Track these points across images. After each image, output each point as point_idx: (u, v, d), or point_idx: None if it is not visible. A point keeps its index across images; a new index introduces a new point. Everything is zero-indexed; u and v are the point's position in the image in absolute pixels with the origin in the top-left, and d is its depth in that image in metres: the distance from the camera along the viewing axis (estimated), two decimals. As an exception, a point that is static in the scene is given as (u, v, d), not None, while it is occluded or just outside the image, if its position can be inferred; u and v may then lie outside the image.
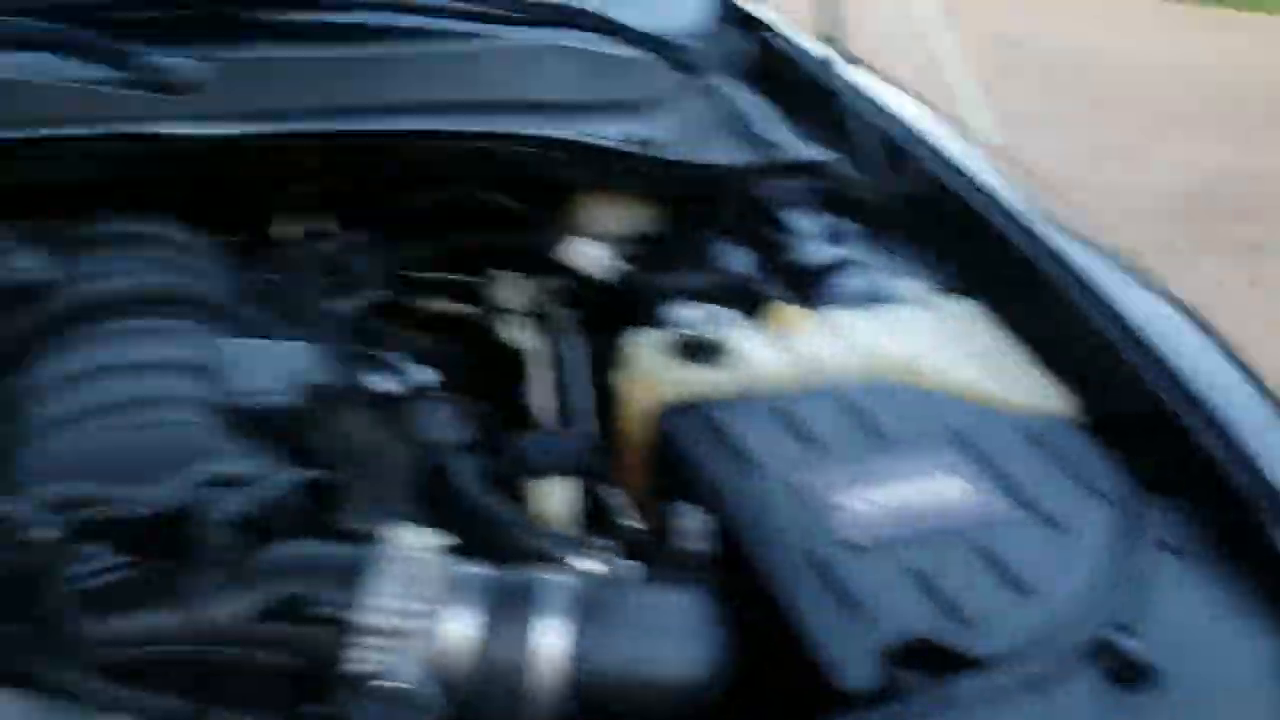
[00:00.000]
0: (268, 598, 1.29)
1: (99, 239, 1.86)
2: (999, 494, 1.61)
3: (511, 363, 2.40)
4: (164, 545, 1.34)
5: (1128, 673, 1.36)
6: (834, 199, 2.32)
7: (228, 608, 1.30)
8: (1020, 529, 1.56)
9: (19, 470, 1.38)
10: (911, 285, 2.08)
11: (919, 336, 1.93)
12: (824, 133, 2.50)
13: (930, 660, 1.36)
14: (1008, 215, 2.11)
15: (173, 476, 1.37)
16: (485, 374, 2.38)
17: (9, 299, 1.64)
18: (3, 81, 1.95)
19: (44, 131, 1.91)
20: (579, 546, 1.49)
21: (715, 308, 1.82)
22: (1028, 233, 2.07)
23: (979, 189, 2.20)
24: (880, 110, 2.45)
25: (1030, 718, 1.32)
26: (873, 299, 2.04)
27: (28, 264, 1.71)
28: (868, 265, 2.13)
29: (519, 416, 2.28)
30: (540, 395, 2.24)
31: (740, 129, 2.45)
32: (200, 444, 1.45)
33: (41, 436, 1.43)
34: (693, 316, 1.78)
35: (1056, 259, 2.01)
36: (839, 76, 2.51)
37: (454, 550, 1.40)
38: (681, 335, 1.75)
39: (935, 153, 2.29)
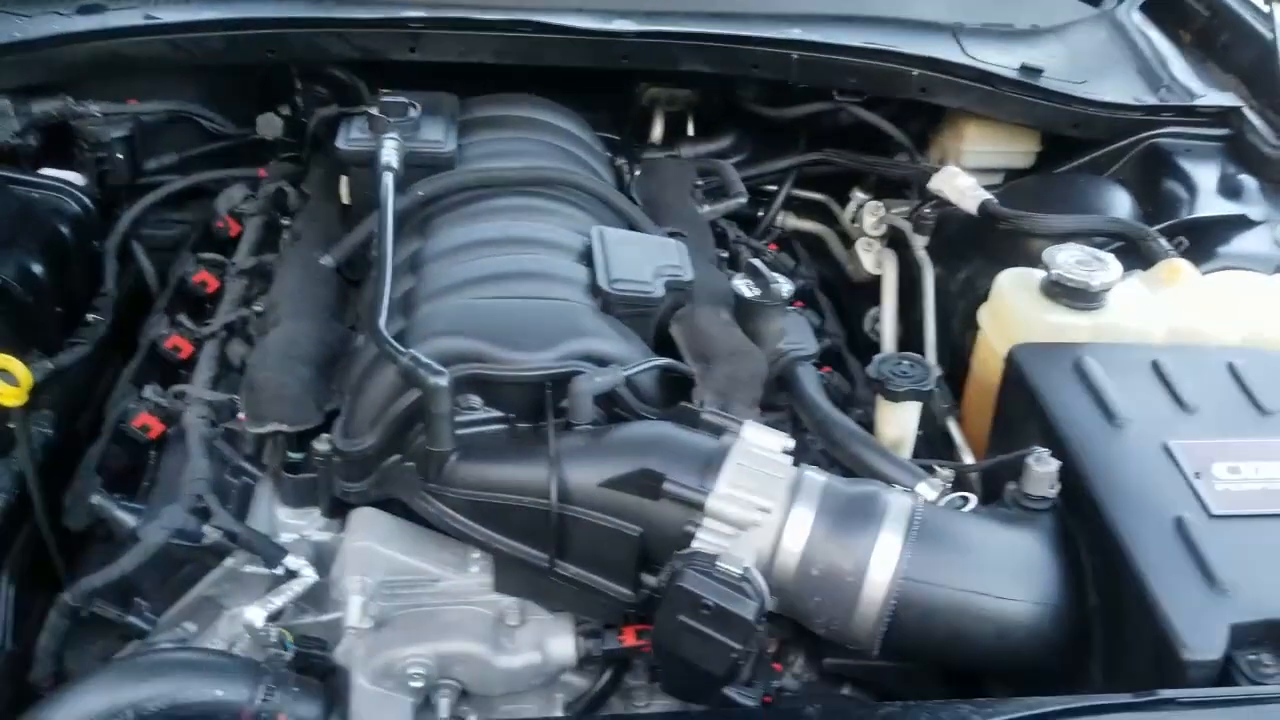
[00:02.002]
0: (626, 470, 1.37)
1: (489, 120, 2.00)
2: (1395, 485, 1.46)
3: (855, 285, 2.39)
4: (531, 408, 1.47)
5: None
6: (1239, 149, 2.13)
7: (588, 473, 1.39)
8: None
9: (421, 322, 1.52)
10: (1318, 251, 1.90)
11: (1321, 308, 1.76)
12: (1234, 77, 2.31)
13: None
14: None
15: (551, 347, 1.49)
16: (840, 294, 2.39)
17: (417, 168, 1.80)
18: None
19: (455, 14, 2.05)
20: (914, 469, 1.49)
21: (1096, 252, 1.72)
22: None
23: None
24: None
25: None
26: (1270, 263, 1.88)
27: (434, 136, 1.86)
28: (1271, 224, 1.96)
29: (860, 336, 2.28)
30: (890, 320, 2.23)
31: (1142, 67, 2.29)
32: (578, 322, 1.55)
33: (442, 295, 1.57)
34: (1068, 258, 1.70)
35: None
36: (1256, 14, 2.29)
37: (798, 455, 1.44)
38: (1053, 275, 1.68)
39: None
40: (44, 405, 1.80)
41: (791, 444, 1.42)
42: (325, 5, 2.10)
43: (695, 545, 1.31)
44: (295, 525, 1.60)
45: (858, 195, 2.42)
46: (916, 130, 2.43)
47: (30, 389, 1.58)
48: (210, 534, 1.52)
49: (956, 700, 1.19)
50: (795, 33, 2.14)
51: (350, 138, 1.86)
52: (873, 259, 2.31)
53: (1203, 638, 1.26)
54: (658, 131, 2.47)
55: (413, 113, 1.87)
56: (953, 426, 1.81)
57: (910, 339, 2.14)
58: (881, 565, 1.31)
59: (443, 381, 1.36)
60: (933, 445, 1.88)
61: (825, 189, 2.53)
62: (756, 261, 1.72)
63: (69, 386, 1.87)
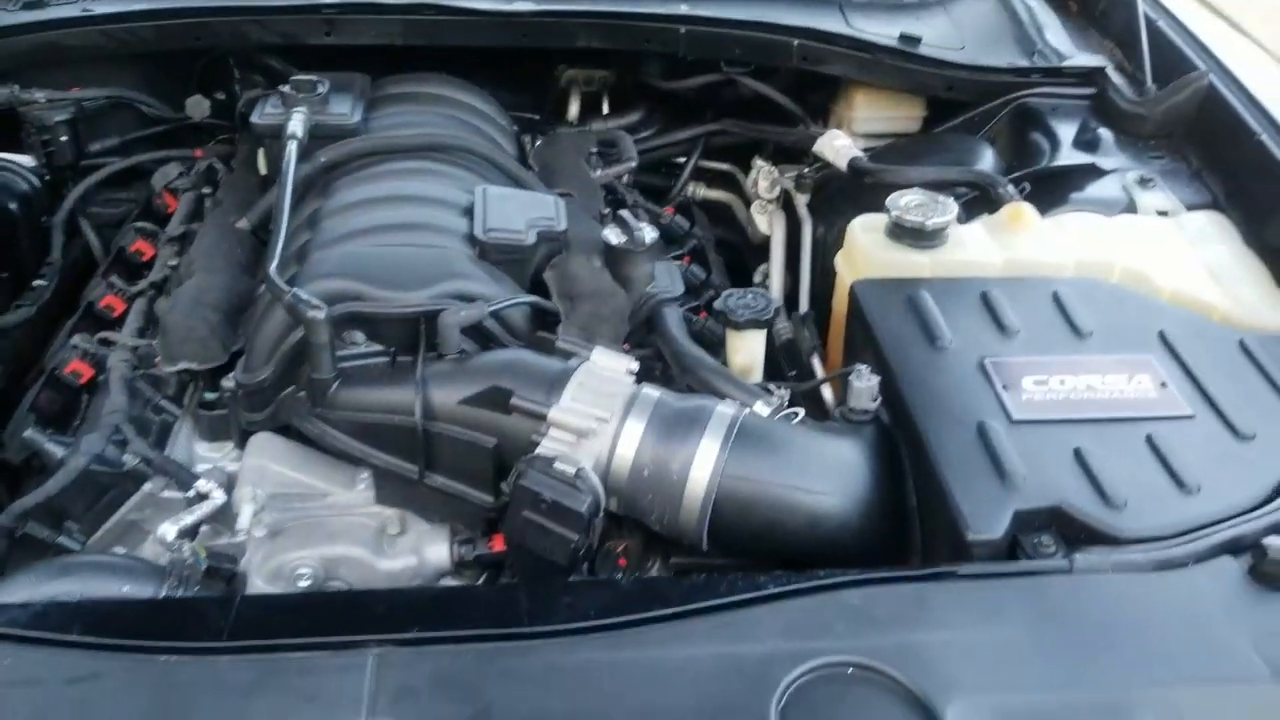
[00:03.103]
0: (482, 389, 1.54)
1: (397, 95, 2.18)
2: (1190, 398, 1.61)
3: (755, 247, 2.56)
4: (407, 342, 1.64)
5: (1273, 570, 1.36)
6: (1103, 106, 2.29)
7: (449, 393, 1.56)
8: (1200, 432, 1.56)
9: (310, 267, 1.70)
10: (1160, 196, 2.04)
11: (1153, 245, 1.91)
12: (1112, 41, 2.47)
13: (1064, 529, 1.42)
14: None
15: (426, 287, 1.66)
16: (731, 257, 2.56)
17: (323, 138, 1.97)
18: None
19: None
20: (752, 390, 1.65)
21: (937, 195, 1.88)
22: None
23: (1257, 106, 2.10)
24: (1164, 14, 2.37)
25: (1156, 595, 1.36)
26: (1115, 207, 2.03)
27: (341, 110, 2.04)
28: (1121, 173, 2.11)
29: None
30: (777, 273, 2.40)
31: (1019, 34, 2.45)
32: (453, 265, 1.72)
33: (331, 245, 1.75)
34: (911, 202, 1.86)
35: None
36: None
37: (642, 376, 1.61)
38: (893, 216, 1.84)
39: (1216, 63, 2.20)
40: (-10, 360, 1.99)
41: (635, 366, 1.59)
42: (246, -5, 2.28)
43: (540, 451, 1.48)
44: (210, 457, 1.78)
45: (758, 163, 2.59)
46: (817, 101, 2.60)
47: (-32, 338, 1.76)
48: (129, 460, 1.69)
49: (755, 573, 1.35)
50: (683, 8, 2.31)
51: (264, 113, 2.04)
52: (766, 220, 2.47)
53: (986, 521, 1.41)
54: (574, 110, 2.65)
55: (321, 89, 2.05)
56: (816, 362, 1.97)
57: (794, 291, 2.30)
58: (702, 464, 1.47)
59: (320, 315, 1.53)
60: (805, 379, 2.04)
61: (731, 159, 2.70)
62: (624, 213, 1.88)
63: (15, 344, 2.05)
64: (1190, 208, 2.04)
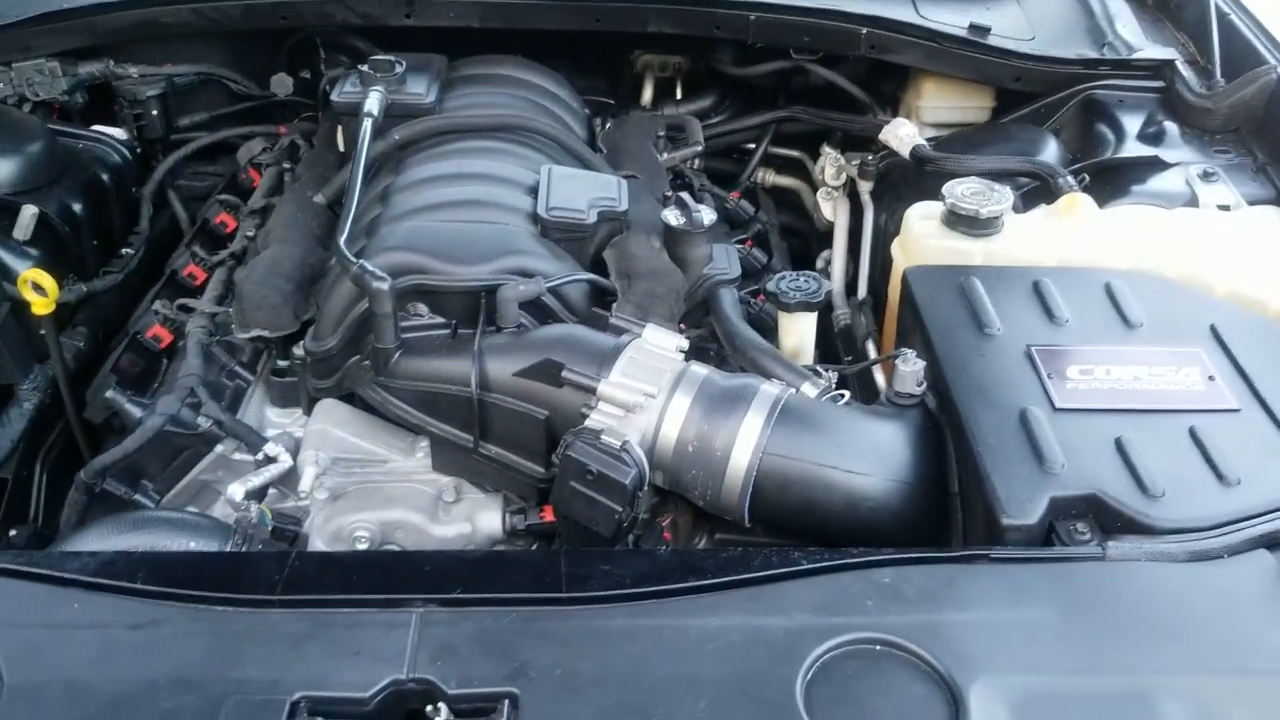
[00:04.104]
0: (535, 362, 1.60)
1: (473, 77, 2.25)
2: (1237, 392, 1.60)
3: (821, 234, 2.58)
4: (468, 315, 1.70)
5: (1310, 567, 1.36)
6: (1170, 99, 2.27)
7: (504, 365, 1.63)
8: (1245, 426, 1.55)
9: (378, 241, 1.77)
10: (1223, 190, 2.03)
11: (1210, 239, 1.90)
12: (1185, 34, 2.44)
13: (1100, 517, 1.43)
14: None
15: (488, 262, 1.72)
16: (798, 243, 2.59)
17: (398, 116, 2.05)
18: None
19: None
20: (800, 371, 1.68)
21: (993, 184, 1.89)
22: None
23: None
24: (1237, 7, 2.34)
25: (1188, 585, 1.37)
26: (1177, 201, 2.02)
27: (417, 89, 2.11)
28: (1184, 166, 2.10)
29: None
30: (840, 259, 2.42)
31: (1090, 26, 2.43)
32: (514, 242, 1.78)
33: (399, 219, 1.82)
34: (967, 190, 1.88)
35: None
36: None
37: (696, 355, 1.66)
38: (948, 204, 1.86)
39: (1287, 58, 2.17)
40: (79, 323, 2.10)
41: (685, 344, 1.63)
42: (330, -22, 2.36)
43: (589, 423, 1.53)
44: (280, 423, 1.87)
45: (826, 150, 2.61)
46: (887, 90, 2.61)
47: (56, 298, 1.86)
48: (202, 422, 1.78)
49: (789, 547, 1.39)
50: None
51: (343, 91, 2.12)
52: (831, 206, 2.50)
53: (1021, 506, 1.43)
54: (648, 94, 2.71)
55: (398, 69, 2.12)
56: (869, 347, 2.00)
57: (856, 278, 2.33)
58: (745, 441, 1.51)
59: (384, 286, 1.60)
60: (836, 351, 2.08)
61: (801, 146, 2.72)
62: (684, 194, 1.93)
63: (101, 308, 2.16)
64: (1253, 202, 2.02)
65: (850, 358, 2.09)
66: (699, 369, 1.60)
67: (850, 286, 2.36)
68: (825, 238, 2.56)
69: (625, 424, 1.53)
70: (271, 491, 1.78)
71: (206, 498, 1.86)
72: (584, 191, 1.91)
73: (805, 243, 2.64)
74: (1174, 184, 2.06)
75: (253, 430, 1.80)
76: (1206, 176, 2.05)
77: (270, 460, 1.76)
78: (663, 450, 1.54)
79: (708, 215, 1.89)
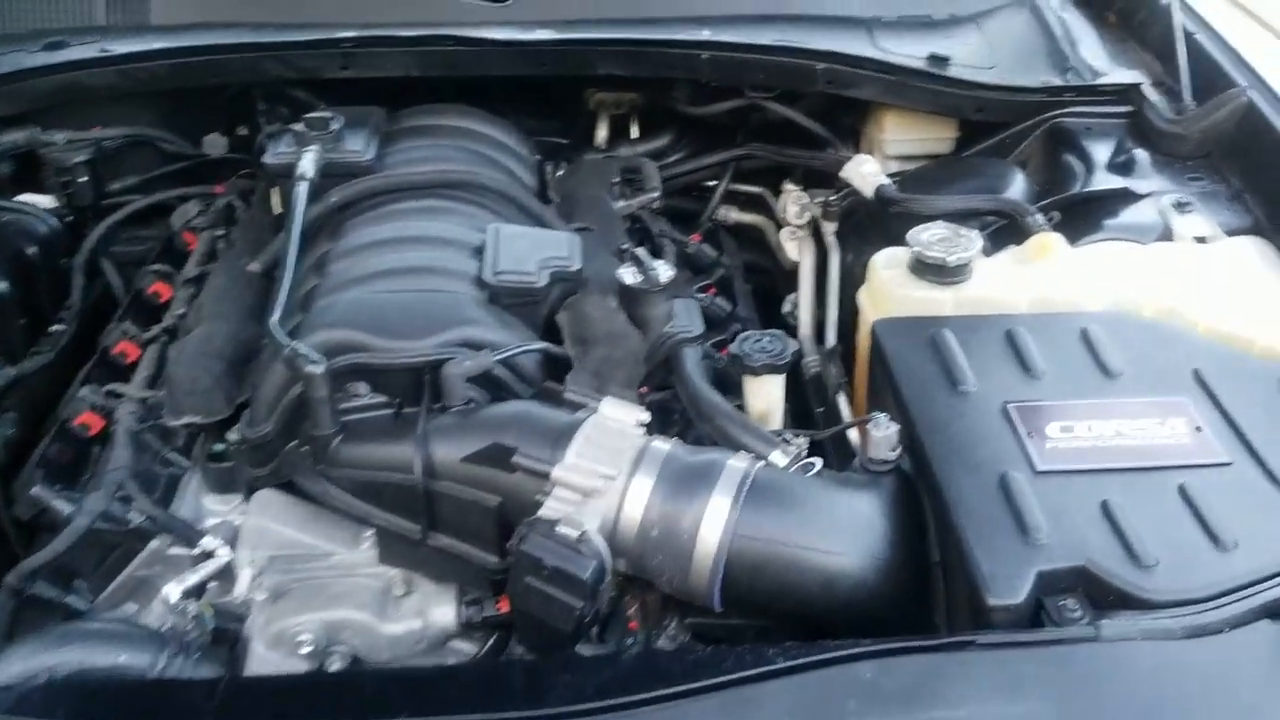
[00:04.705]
0: (485, 445, 1.50)
1: (414, 129, 2.15)
2: (1226, 443, 1.53)
3: (787, 273, 2.49)
4: (412, 392, 1.60)
5: (1312, 636, 1.28)
6: (1138, 125, 2.20)
7: (452, 449, 1.52)
8: (1237, 481, 1.48)
9: (314, 317, 1.67)
10: (1197, 220, 1.96)
11: (1188, 274, 1.83)
12: (1151, 53, 2.37)
13: (1091, 591, 1.35)
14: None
15: (431, 335, 1.62)
16: (764, 283, 2.50)
17: (336, 176, 1.94)
18: None
19: (382, 32, 2.20)
20: (768, 438, 1.59)
21: (960, 229, 1.81)
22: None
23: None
24: (1203, 27, 2.27)
25: (1189, 665, 1.28)
26: (1151, 234, 1.95)
27: (355, 146, 2.01)
28: (1156, 197, 2.02)
29: (780, 322, 2.39)
30: (806, 304, 2.33)
31: (1052, 50, 2.36)
32: (460, 311, 1.68)
33: (336, 291, 1.72)
34: (933, 237, 1.79)
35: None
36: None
37: (663, 419, 1.56)
38: (915, 253, 1.77)
39: (1257, 78, 2.10)
40: (8, 409, 1.98)
41: (647, 418, 1.54)
42: (264, 31, 2.26)
43: (543, 511, 1.43)
44: (219, 511, 1.75)
45: (788, 187, 2.52)
46: (848, 124, 2.53)
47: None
48: (135, 518, 1.67)
49: (763, 644, 1.29)
50: (705, 34, 2.25)
51: (276, 152, 2.01)
52: (795, 247, 2.41)
53: (1007, 584, 1.34)
54: (602, 134, 2.61)
55: (334, 125, 2.02)
56: (841, 400, 1.91)
57: (824, 321, 2.24)
58: (712, 523, 1.41)
59: (317, 370, 1.50)
60: (831, 417, 1.99)
61: (763, 182, 2.64)
62: (640, 250, 1.83)
63: (32, 391, 2.04)
64: (1230, 232, 1.94)
65: (822, 409, 1.99)
66: (661, 445, 1.50)
67: (818, 330, 2.27)
68: (791, 276, 2.47)
69: (583, 510, 1.43)
70: (212, 584, 1.67)
71: (144, 593, 1.74)
72: (534, 251, 1.81)
73: (771, 280, 2.55)
74: (1147, 216, 1.98)
75: (188, 524, 1.69)
76: (1181, 207, 1.98)
77: (208, 555, 1.65)
78: (625, 536, 1.44)
79: (665, 272, 1.80)
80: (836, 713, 1.22)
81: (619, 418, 1.53)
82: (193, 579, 1.60)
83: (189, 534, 1.66)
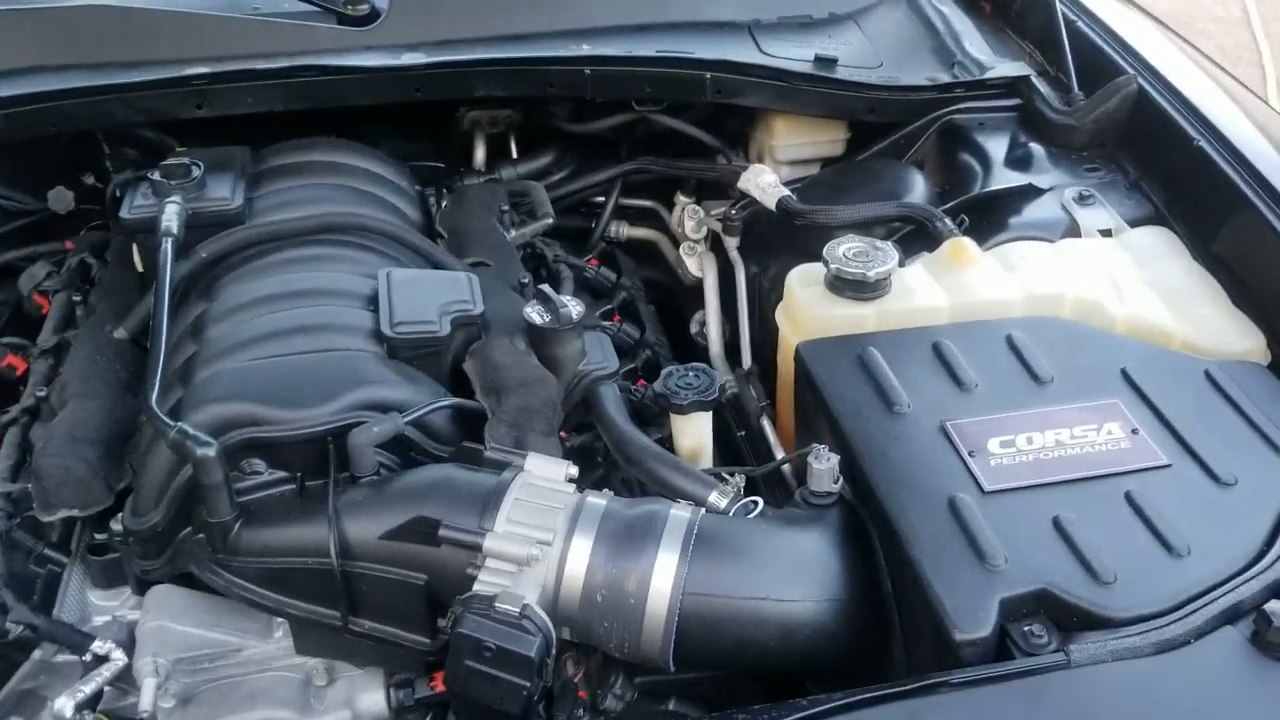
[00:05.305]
0: (405, 519, 1.38)
1: (282, 168, 1.99)
2: (1163, 444, 1.51)
3: (688, 289, 2.42)
4: (316, 464, 1.46)
5: (1277, 640, 1.26)
6: (1030, 117, 2.18)
7: (368, 526, 1.40)
8: (1180, 482, 1.46)
9: (196, 391, 1.51)
10: (1102, 214, 1.95)
11: (1101, 271, 1.81)
12: (1030, 43, 2.36)
13: (1054, 614, 1.31)
14: (1221, 140, 1.92)
15: (330, 400, 1.49)
16: (664, 299, 2.42)
17: (202, 227, 1.78)
18: (182, 14, 2.08)
19: (237, 66, 2.04)
20: (704, 480, 1.51)
21: (876, 241, 1.76)
22: (1240, 158, 1.88)
23: (1192, 109, 2.00)
24: (1083, 13, 2.27)
25: (1161, 683, 1.25)
26: (1057, 229, 1.93)
27: (221, 194, 1.85)
28: (1058, 191, 2.01)
29: (689, 342, 2.31)
30: (714, 322, 2.26)
31: (937, 45, 2.33)
32: (359, 371, 1.55)
33: (218, 359, 1.56)
34: (849, 251, 1.74)
35: (1270, 188, 1.82)
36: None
37: (587, 479, 1.46)
38: (832, 269, 1.71)
39: (1143, 63, 2.10)
40: None
41: (574, 471, 1.44)
42: (105, 72, 2.06)
43: (478, 586, 1.32)
44: (107, 606, 1.59)
45: (680, 200, 2.45)
46: (734, 129, 2.46)
47: None
48: (12, 629, 1.50)
49: (732, 710, 1.21)
50: (585, 49, 2.15)
51: (134, 205, 1.84)
52: (696, 262, 2.34)
53: (972, 617, 1.30)
54: (480, 156, 2.48)
55: (196, 172, 1.85)
56: (766, 425, 1.84)
57: (735, 338, 2.17)
58: (660, 584, 1.33)
59: (210, 452, 1.36)
60: (754, 443, 1.92)
61: (654, 195, 2.55)
62: (545, 287, 1.72)
63: None
64: (1132, 222, 1.94)
65: (743, 433, 1.92)
66: (596, 500, 1.40)
67: (729, 348, 2.19)
68: (691, 292, 2.39)
69: (520, 582, 1.32)
70: (107, 690, 1.51)
71: (31, 706, 1.56)
72: (432, 296, 1.69)
73: (670, 296, 2.47)
74: (1051, 211, 1.97)
75: (73, 628, 1.52)
76: (1083, 199, 1.97)
77: (101, 659, 1.49)
78: (567, 603, 1.34)
79: (575, 308, 1.69)
80: (817, 779, 1.15)
81: (547, 474, 1.43)
82: (86, 689, 1.44)
83: (76, 639, 1.50)
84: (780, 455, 1.79)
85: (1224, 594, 1.32)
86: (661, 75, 2.17)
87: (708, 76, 2.16)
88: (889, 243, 1.77)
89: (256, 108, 2.08)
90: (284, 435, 1.45)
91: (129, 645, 1.51)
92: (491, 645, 1.26)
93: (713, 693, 1.53)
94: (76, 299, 1.99)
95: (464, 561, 1.35)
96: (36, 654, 1.53)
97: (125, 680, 1.51)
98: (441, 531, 1.34)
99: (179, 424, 1.38)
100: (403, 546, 1.38)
